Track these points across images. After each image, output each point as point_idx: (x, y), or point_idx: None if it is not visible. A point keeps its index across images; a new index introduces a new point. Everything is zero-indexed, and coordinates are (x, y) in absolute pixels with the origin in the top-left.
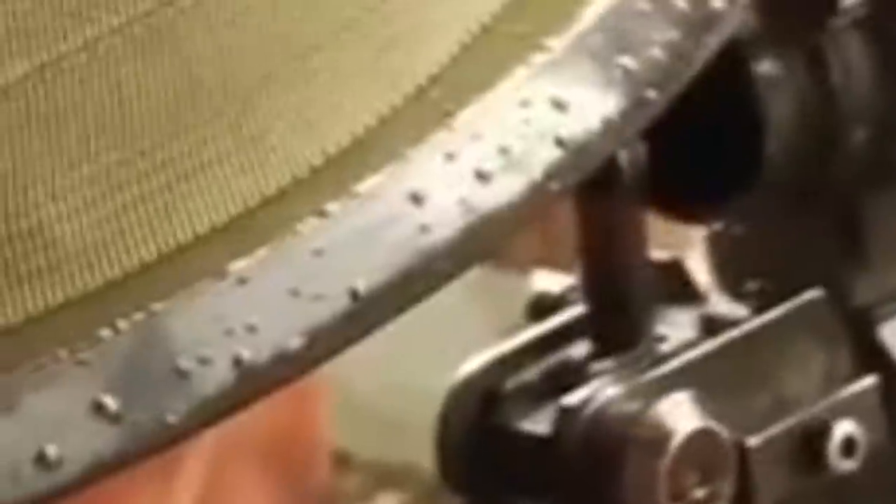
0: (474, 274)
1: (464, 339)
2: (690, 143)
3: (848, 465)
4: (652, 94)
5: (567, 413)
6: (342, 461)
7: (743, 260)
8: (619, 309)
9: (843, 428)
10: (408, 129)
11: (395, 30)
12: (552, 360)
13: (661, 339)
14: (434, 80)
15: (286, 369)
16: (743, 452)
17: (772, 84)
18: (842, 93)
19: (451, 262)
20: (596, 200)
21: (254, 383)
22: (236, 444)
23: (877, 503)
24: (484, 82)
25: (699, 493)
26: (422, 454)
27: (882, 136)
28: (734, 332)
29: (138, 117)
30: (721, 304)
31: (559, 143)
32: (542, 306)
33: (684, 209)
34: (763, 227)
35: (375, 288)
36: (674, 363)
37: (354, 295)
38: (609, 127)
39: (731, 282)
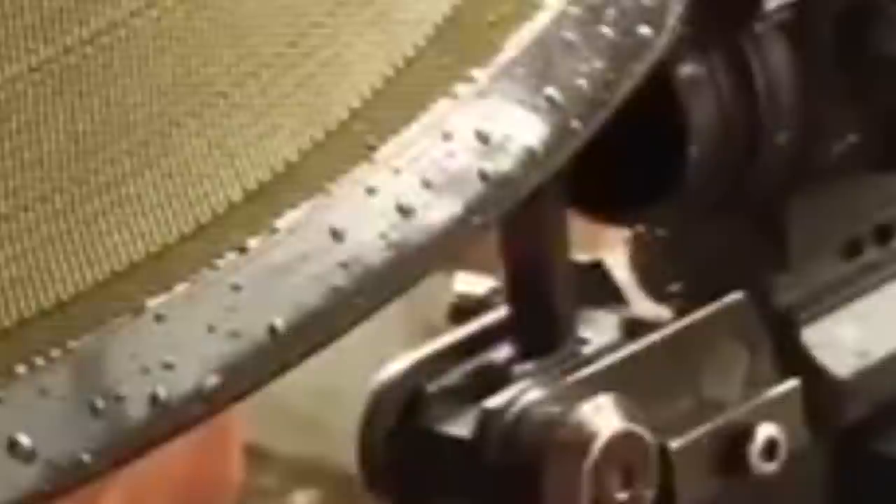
0: None
1: (381, 338)
2: (614, 146)
3: (769, 468)
4: (577, 124)
5: (489, 416)
6: (260, 457)
7: (665, 262)
8: (541, 311)
9: (766, 431)
10: (329, 163)
11: (316, 64)
12: (475, 362)
13: (584, 341)
14: (356, 113)
15: (202, 407)
16: (665, 455)
17: (695, 88)
18: (764, 97)
19: (370, 297)
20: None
21: (170, 421)
22: (150, 480)
23: None
24: (407, 115)
25: (621, 495)
26: (337, 451)
27: (803, 140)
28: (657, 335)
29: (57, 154)
30: (643, 307)
31: (483, 176)
32: (464, 308)
33: (608, 212)
34: (686, 230)
35: (294, 324)
36: (596, 366)
37: (273, 331)
38: (533, 160)
39: (653, 284)
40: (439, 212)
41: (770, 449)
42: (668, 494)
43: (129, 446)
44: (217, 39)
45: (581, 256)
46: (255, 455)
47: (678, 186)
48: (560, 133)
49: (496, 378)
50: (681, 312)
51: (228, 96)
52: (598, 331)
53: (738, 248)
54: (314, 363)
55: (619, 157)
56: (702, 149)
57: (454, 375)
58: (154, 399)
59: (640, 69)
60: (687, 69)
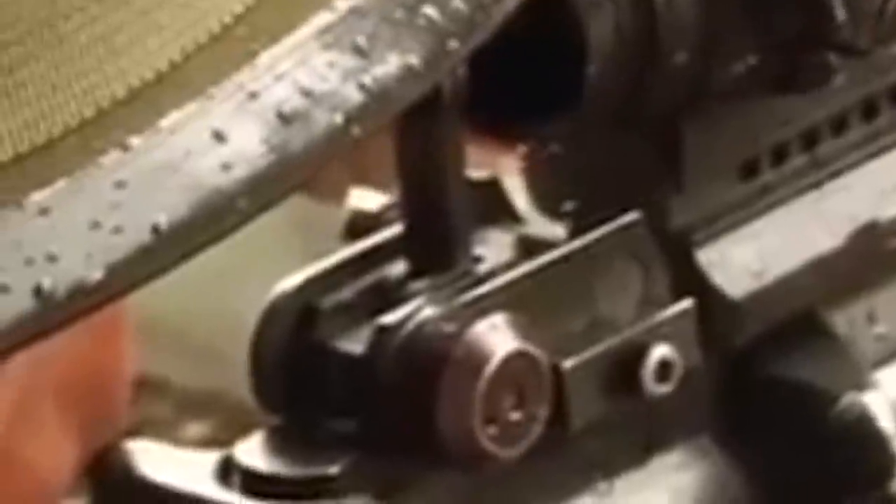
0: (291, 201)
1: (277, 267)
2: (511, 64)
3: (662, 389)
4: (454, 44)
5: (383, 333)
6: (154, 388)
7: (561, 181)
8: (436, 228)
9: (659, 352)
10: (212, 66)
11: None
12: (369, 278)
13: (479, 259)
14: (239, 18)
15: (85, 300)
16: (558, 375)
17: (593, 5)
18: (663, 15)
19: (252, 200)
20: (415, 119)
21: (53, 313)
22: (40, 380)
23: (689, 427)
24: (288, 24)
25: (514, 415)
26: (234, 382)
27: (702, 60)
28: (551, 254)
29: None
30: (538, 225)
31: (361, 87)
32: (358, 225)
33: (504, 130)
34: (582, 148)
35: (176, 224)
36: (491, 284)
37: (155, 230)
38: (411, 75)
39: (548, 202)
40: (318, 120)
41: (663, 370)
42: (561, 414)
43: (12, 337)
44: None
45: (476, 173)
46: (149, 385)
47: (575, 104)
48: (437, 52)
49: (391, 295)
50: (575, 231)
51: None
52: (493, 249)
53: (633, 167)
54: (211, 293)
55: (518, 75)
56: (599, 67)
57: (348, 292)
58: (38, 290)
59: None
60: None
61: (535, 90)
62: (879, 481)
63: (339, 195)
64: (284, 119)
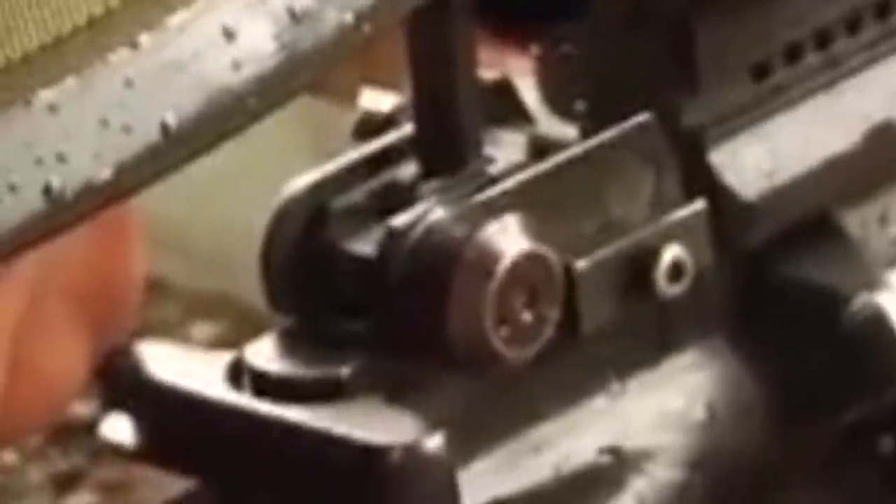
0: (297, 101)
1: (287, 167)
2: None
3: (675, 290)
4: None
5: (394, 235)
6: (160, 290)
7: (573, 81)
8: (447, 129)
9: (671, 252)
10: None
11: None
12: (380, 179)
13: (490, 160)
14: None
15: (94, 200)
16: (570, 276)
17: None
18: None
19: (261, 99)
20: (425, 17)
21: (63, 212)
22: (50, 282)
23: (702, 327)
24: None
25: (526, 316)
26: (241, 285)
27: None
28: (563, 155)
29: None
30: (550, 126)
31: None
32: (369, 125)
33: (516, 30)
34: (594, 48)
35: (185, 122)
36: (502, 185)
37: (164, 128)
38: None
39: (560, 103)
40: (329, 18)
41: (675, 270)
42: (572, 315)
43: (22, 236)
44: None
45: (487, 73)
46: (156, 288)
47: (586, 3)
48: None
49: (401, 196)
50: (587, 132)
51: None
52: (504, 150)
53: (645, 67)
54: (219, 195)
55: None
56: None
57: (359, 192)
58: (48, 189)
59: None
60: None
61: None
62: (891, 381)
63: (349, 95)
64: (295, 17)
